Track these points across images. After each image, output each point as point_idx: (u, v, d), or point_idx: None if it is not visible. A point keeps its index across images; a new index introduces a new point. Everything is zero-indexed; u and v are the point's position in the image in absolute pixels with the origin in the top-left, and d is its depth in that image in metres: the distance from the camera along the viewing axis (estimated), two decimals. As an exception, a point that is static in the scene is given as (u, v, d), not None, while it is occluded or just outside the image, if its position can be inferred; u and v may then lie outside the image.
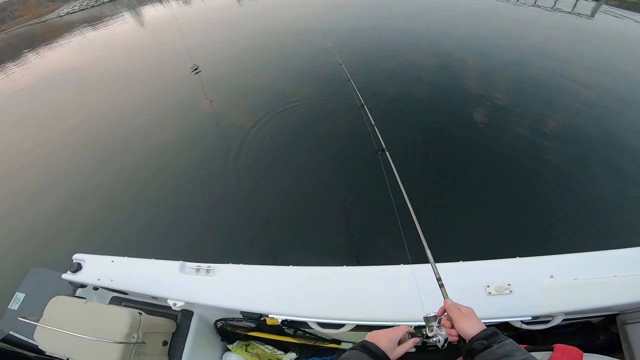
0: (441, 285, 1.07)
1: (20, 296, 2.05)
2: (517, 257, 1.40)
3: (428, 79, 5.77)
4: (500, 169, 3.80)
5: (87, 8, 37.15)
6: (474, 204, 3.38)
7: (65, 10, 39.61)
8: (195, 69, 7.83)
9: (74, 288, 1.97)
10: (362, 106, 2.55)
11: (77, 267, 1.89)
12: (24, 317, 1.58)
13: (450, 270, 1.39)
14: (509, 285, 1.32)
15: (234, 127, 5.22)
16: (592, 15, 11.70)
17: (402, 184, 1.66)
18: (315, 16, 10.71)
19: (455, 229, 3.13)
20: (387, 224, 3.10)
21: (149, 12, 22.15)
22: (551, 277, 1.31)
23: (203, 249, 3.40)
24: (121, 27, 18.24)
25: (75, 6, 40.17)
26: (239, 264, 1.67)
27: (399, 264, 1.48)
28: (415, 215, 1.42)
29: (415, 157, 4.03)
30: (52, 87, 10.04)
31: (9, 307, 2.01)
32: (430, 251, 1.20)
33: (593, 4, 12.46)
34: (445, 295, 1.03)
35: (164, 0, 26.10)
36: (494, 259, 1.43)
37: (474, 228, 3.14)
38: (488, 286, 1.33)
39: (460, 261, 1.44)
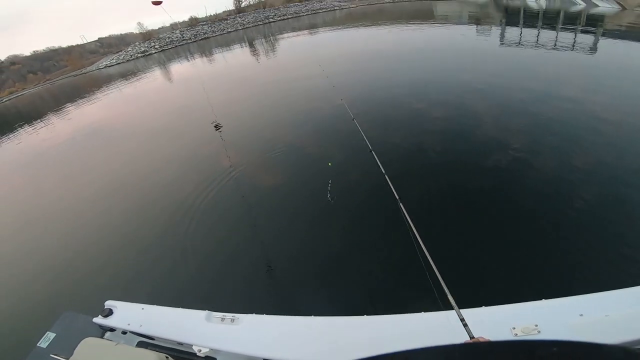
0: (465, 325, 1.08)
1: (50, 335, 2.15)
2: (543, 300, 1.37)
3: (441, 127, 6.04)
4: (522, 211, 3.82)
5: (123, 62, 40.88)
6: (497, 249, 3.39)
7: (104, 63, 43.66)
8: (217, 126, 8.35)
9: (102, 332, 2.08)
10: (371, 151, 2.81)
11: (109, 312, 2.03)
12: (55, 355, 1.69)
13: (472, 315, 1.36)
14: (536, 326, 1.27)
15: (252, 181, 5.54)
16: (594, 48, 12.18)
17: (418, 230, 1.72)
18: (329, 70, 11.41)
19: (478, 274, 3.12)
20: (406, 273, 3.16)
21: (177, 68, 24.10)
22: (581, 315, 1.27)
23: (226, 299, 3.49)
24: (152, 82, 19.89)
25: (112, 60, 44.28)
26: (263, 314, 1.77)
27: (420, 311, 1.49)
28: (434, 260, 1.45)
29: (436, 201, 4.15)
30: (88, 141, 10.88)
31: (37, 345, 2.11)
32: (453, 295, 1.24)
33: (592, 37, 13.03)
34: (470, 335, 1.03)
35: (189, 57, 28.56)
36: (518, 302, 1.39)
37: (496, 272, 3.13)
38: (514, 328, 1.29)
39: (483, 306, 1.42)
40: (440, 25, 22.00)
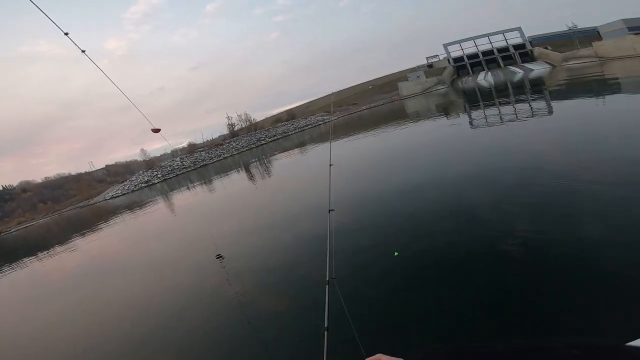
0: None
1: None
2: None
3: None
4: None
5: (128, 192, 44.06)
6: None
7: (110, 194, 46.85)
8: (219, 256, 8.67)
9: None
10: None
11: None
12: None
13: None
14: None
15: (261, 313, 5.64)
16: (550, 112, 14.79)
17: None
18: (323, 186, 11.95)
19: None
20: None
21: (178, 198, 25.92)
22: None
23: None
24: (155, 213, 21.47)
25: (118, 190, 47.68)
26: None
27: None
28: None
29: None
30: (93, 275, 11.57)
31: None
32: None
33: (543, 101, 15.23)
34: None
35: (190, 186, 31.18)
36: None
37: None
38: None
39: None
40: (415, 121, 25.30)
